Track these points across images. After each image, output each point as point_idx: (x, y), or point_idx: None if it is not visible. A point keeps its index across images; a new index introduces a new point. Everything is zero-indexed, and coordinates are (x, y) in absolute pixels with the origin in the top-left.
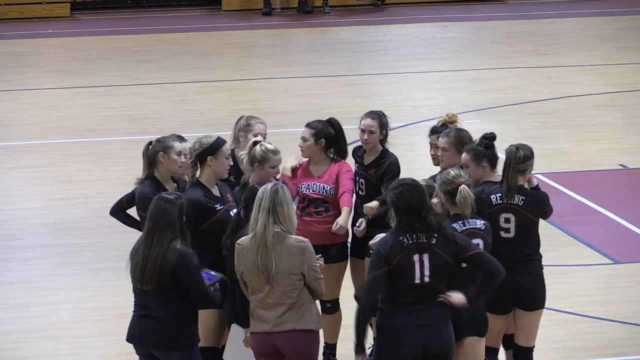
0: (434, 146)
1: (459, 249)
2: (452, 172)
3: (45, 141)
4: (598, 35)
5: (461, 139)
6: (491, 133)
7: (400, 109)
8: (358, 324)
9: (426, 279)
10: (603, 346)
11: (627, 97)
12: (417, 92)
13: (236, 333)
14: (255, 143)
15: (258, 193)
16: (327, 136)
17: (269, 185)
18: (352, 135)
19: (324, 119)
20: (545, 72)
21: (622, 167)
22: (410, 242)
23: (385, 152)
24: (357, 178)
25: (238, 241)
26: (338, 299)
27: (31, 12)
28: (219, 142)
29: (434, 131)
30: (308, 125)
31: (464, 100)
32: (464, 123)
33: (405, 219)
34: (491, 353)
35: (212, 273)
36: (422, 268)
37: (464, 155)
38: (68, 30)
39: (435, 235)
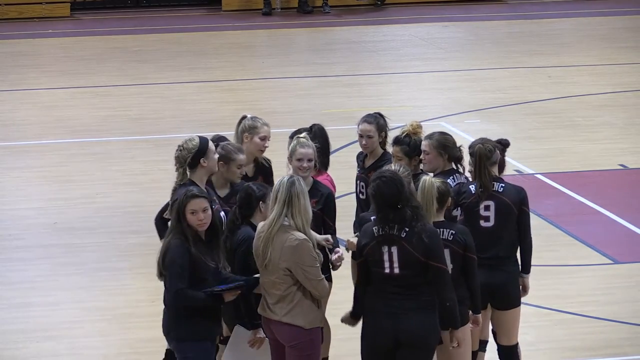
0: (396, 157)
1: (425, 249)
2: (393, 167)
3: (45, 141)
4: (598, 35)
5: (444, 143)
6: (506, 140)
7: (400, 109)
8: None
9: (396, 271)
10: (603, 346)
11: (627, 97)
12: (417, 92)
13: (239, 334)
14: (296, 138)
15: (275, 185)
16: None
17: (285, 177)
18: (352, 136)
19: (309, 125)
20: (545, 72)
21: (622, 167)
22: (380, 232)
23: (384, 155)
24: (358, 182)
25: (260, 223)
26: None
27: (31, 12)
28: (205, 142)
29: (397, 142)
30: (306, 145)
31: (464, 100)
32: (465, 123)
33: (382, 211)
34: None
35: (222, 287)
36: (390, 259)
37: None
38: (68, 30)
39: (407, 229)
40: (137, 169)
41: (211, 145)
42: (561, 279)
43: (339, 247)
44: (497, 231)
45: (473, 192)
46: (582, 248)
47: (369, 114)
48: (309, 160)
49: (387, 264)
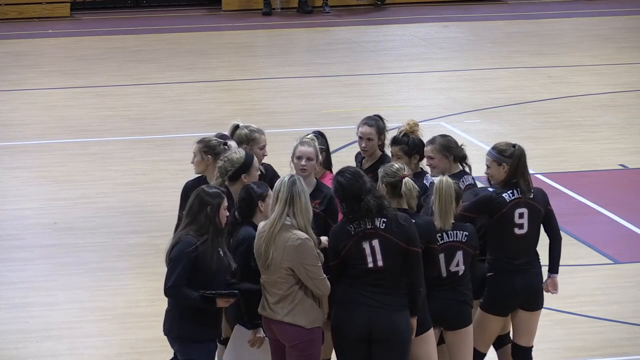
0: (396, 157)
1: (407, 234)
2: (396, 165)
3: (45, 141)
4: (598, 35)
5: (447, 145)
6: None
7: (400, 109)
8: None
9: (379, 264)
10: (603, 346)
11: (627, 97)
12: (417, 92)
13: (240, 334)
14: (301, 137)
15: (275, 185)
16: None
17: (286, 177)
18: (353, 135)
19: (314, 132)
20: (545, 72)
21: (622, 167)
22: (357, 230)
23: (384, 158)
24: None
25: (260, 223)
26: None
27: (31, 12)
28: (250, 158)
29: (396, 142)
30: (307, 143)
31: (464, 100)
32: (465, 123)
33: (347, 206)
34: (479, 357)
35: (214, 291)
36: (373, 253)
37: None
38: (68, 30)
39: (384, 220)
40: (137, 169)
41: (255, 162)
42: (561, 279)
43: None
44: (529, 237)
45: (508, 200)
46: (582, 248)
47: (369, 117)
48: (308, 159)
49: (370, 259)
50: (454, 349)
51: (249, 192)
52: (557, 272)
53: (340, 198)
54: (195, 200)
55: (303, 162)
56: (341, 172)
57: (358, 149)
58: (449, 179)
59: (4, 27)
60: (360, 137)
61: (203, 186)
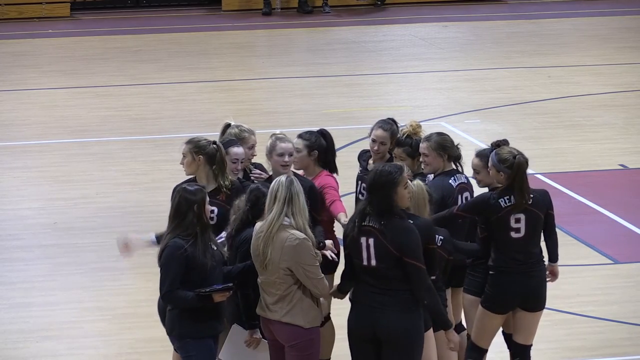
0: (399, 158)
1: (400, 244)
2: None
3: (45, 141)
4: (598, 35)
5: (442, 143)
6: (504, 140)
7: (400, 109)
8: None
9: (372, 263)
10: (603, 346)
11: (627, 97)
12: (417, 92)
13: (237, 333)
14: (273, 134)
15: (272, 185)
16: (320, 147)
17: (283, 177)
18: (353, 135)
19: (316, 130)
20: (545, 72)
21: (622, 167)
22: (359, 223)
23: (391, 160)
24: (359, 182)
25: (257, 223)
26: (328, 313)
27: (31, 12)
28: None
29: (399, 143)
30: (300, 136)
31: (464, 100)
32: (465, 123)
33: (365, 198)
34: (479, 352)
35: (208, 289)
36: (368, 251)
37: (475, 160)
38: (68, 30)
39: (383, 222)
40: (137, 169)
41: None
42: (561, 279)
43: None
44: (526, 240)
45: (503, 206)
46: (582, 248)
47: (384, 121)
48: (290, 154)
49: (364, 256)
50: (437, 351)
51: (258, 195)
52: (556, 260)
53: (367, 188)
54: (180, 200)
55: (286, 159)
56: (380, 165)
57: (359, 149)
58: (420, 182)
59: (4, 27)
60: (373, 140)
61: (184, 185)
